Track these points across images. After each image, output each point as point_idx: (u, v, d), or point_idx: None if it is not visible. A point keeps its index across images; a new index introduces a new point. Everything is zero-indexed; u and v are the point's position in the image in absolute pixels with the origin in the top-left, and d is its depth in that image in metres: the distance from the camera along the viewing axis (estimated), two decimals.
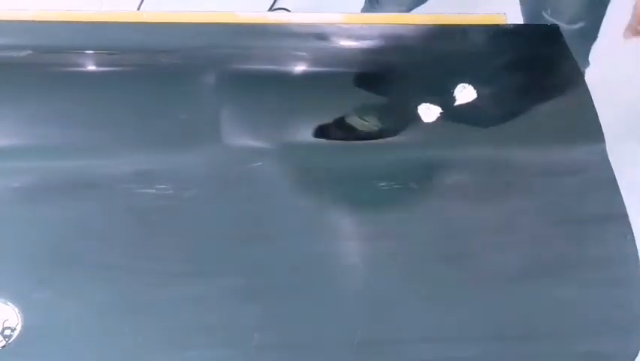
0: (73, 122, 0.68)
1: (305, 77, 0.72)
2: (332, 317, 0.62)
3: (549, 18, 0.80)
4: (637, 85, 1.45)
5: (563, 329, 0.63)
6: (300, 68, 0.73)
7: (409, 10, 0.99)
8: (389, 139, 0.69)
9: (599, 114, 0.72)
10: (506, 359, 0.62)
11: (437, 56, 0.74)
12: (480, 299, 0.63)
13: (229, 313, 0.61)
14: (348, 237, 0.65)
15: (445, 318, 0.62)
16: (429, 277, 0.64)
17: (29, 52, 0.71)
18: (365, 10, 1.06)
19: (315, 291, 0.62)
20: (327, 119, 0.70)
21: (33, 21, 0.72)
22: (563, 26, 0.73)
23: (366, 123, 0.70)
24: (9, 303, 0.59)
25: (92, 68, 0.72)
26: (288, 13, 0.73)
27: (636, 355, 0.62)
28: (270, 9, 0.69)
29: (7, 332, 0.58)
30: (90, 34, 0.72)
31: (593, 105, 0.72)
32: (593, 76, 0.76)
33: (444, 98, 0.71)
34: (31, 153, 0.67)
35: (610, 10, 1.29)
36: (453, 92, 0.71)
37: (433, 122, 0.70)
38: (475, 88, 0.71)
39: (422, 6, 1.03)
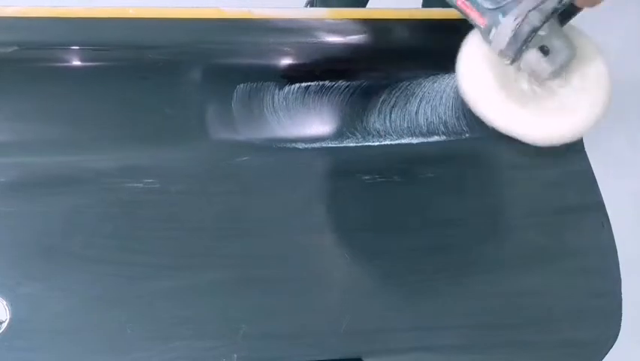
0: (59, 118, 0.69)
1: (291, 71, 0.73)
2: (318, 307, 0.63)
3: None
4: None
5: (541, 317, 0.64)
6: (285, 62, 0.73)
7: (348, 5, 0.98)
8: (373, 133, 0.70)
9: None
10: (487, 347, 0.64)
11: (422, 51, 0.74)
12: (460, 289, 0.65)
13: (216, 304, 0.62)
14: (334, 229, 0.66)
15: (428, 307, 0.64)
16: (411, 268, 0.65)
17: (15, 48, 0.71)
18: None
19: (301, 282, 0.63)
20: (314, 113, 0.71)
21: (18, 17, 0.72)
22: None
23: (351, 118, 0.71)
24: None
25: (77, 63, 0.72)
26: (274, 8, 0.73)
27: (614, 342, 0.64)
28: None
29: None
30: (76, 30, 0.72)
31: None
32: None
33: (427, 92, 0.72)
34: (17, 148, 0.67)
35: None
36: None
37: (414, 117, 0.71)
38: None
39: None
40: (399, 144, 0.70)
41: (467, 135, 0.71)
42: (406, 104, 0.71)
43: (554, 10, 0.58)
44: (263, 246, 0.64)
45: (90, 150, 0.67)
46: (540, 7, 0.57)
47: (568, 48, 0.63)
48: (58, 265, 0.61)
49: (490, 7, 0.59)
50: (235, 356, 0.60)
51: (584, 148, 0.71)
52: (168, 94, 0.70)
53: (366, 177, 0.68)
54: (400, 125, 0.71)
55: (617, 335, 0.64)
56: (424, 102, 0.71)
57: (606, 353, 0.63)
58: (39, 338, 0.59)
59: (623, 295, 0.65)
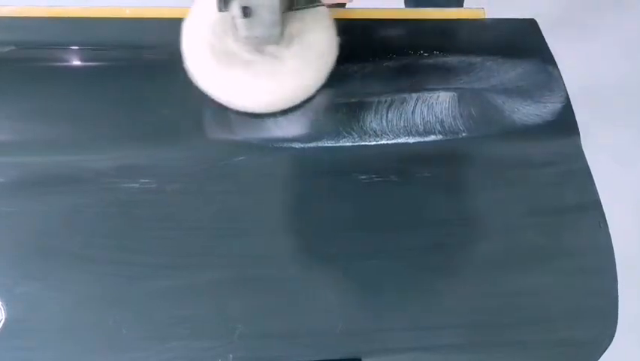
0: (56, 118, 0.69)
1: None
2: (315, 307, 0.63)
3: None
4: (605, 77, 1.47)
5: (538, 317, 0.64)
6: None
7: None
8: (370, 133, 0.70)
9: (573, 107, 0.73)
10: (485, 346, 0.63)
11: (421, 51, 0.74)
12: (458, 289, 0.64)
13: (213, 304, 0.62)
14: (330, 228, 0.66)
15: (426, 307, 0.64)
16: (409, 267, 0.65)
17: (12, 47, 0.71)
18: None
19: (298, 282, 0.63)
20: (308, 113, 0.71)
21: (16, 17, 0.72)
22: None
23: (348, 118, 0.71)
24: None
25: (75, 63, 0.72)
26: None
27: (611, 341, 0.64)
28: None
29: None
30: (73, 30, 0.72)
31: (568, 98, 0.74)
32: (567, 70, 0.77)
33: (422, 92, 0.72)
34: (14, 148, 0.67)
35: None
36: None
37: (410, 116, 0.71)
38: (453, 82, 0.72)
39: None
40: (395, 144, 0.70)
41: (464, 135, 0.71)
42: (402, 103, 0.71)
43: None
44: (260, 245, 0.64)
45: (87, 149, 0.67)
46: None
47: (269, 26, 0.63)
48: (56, 265, 0.62)
49: None
50: (231, 356, 0.60)
51: (581, 148, 0.71)
52: (165, 94, 0.70)
53: (363, 177, 0.68)
54: (396, 125, 0.71)
55: (614, 335, 0.64)
56: (420, 101, 0.72)
57: (603, 353, 0.63)
58: (36, 338, 0.59)
59: (619, 295, 0.65)
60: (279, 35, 0.65)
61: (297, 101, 0.68)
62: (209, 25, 0.67)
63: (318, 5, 0.65)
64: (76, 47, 0.72)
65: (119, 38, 0.72)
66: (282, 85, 0.67)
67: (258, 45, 0.66)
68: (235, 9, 0.61)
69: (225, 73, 0.66)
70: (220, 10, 0.62)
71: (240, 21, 0.62)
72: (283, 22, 0.64)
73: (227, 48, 0.66)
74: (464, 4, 1.02)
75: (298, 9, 0.65)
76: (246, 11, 0.60)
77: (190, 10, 0.68)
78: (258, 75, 0.66)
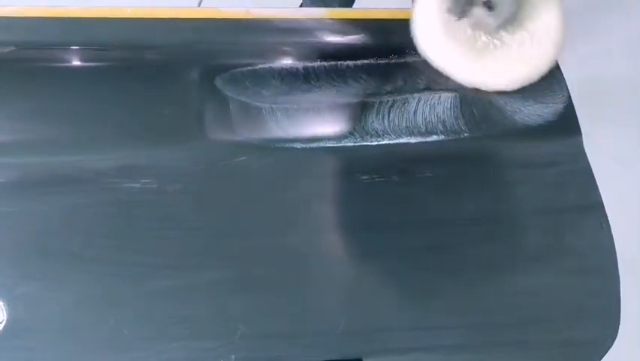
0: (56, 118, 0.69)
1: (288, 72, 0.73)
2: (317, 307, 0.63)
3: None
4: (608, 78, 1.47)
5: (540, 317, 0.64)
6: (283, 62, 0.73)
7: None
8: (371, 133, 0.70)
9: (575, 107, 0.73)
10: (486, 347, 0.63)
11: (417, 51, 0.74)
12: (459, 289, 0.64)
13: (214, 304, 0.61)
14: (332, 229, 0.66)
15: (427, 307, 0.64)
16: (410, 268, 0.65)
17: (12, 48, 0.71)
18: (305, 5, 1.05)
19: (299, 282, 0.63)
20: (312, 113, 0.71)
21: (16, 17, 0.72)
22: None
23: (349, 118, 0.71)
24: None
25: (75, 63, 0.72)
26: (272, 8, 0.73)
27: (612, 342, 0.64)
28: None
29: None
30: (74, 30, 0.72)
31: (570, 98, 0.74)
32: (569, 70, 0.77)
33: (424, 92, 0.72)
34: (14, 148, 0.67)
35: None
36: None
37: (412, 116, 0.71)
38: (455, 82, 0.72)
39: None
40: (397, 144, 0.70)
41: (466, 135, 0.71)
42: (404, 103, 0.71)
43: None
44: (260, 246, 0.64)
45: (87, 150, 0.67)
46: None
47: (512, 3, 0.63)
48: (56, 265, 0.61)
49: None
50: (233, 357, 0.60)
51: (583, 148, 0.71)
52: (166, 94, 0.70)
53: (365, 177, 0.68)
54: (398, 125, 0.70)
55: (616, 335, 0.64)
56: (422, 102, 0.71)
57: (605, 353, 0.63)
58: (36, 338, 0.59)
59: (621, 295, 0.65)
60: (520, 10, 0.64)
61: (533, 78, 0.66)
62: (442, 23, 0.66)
63: None
64: (77, 47, 0.72)
65: (120, 38, 0.72)
66: (518, 68, 0.66)
67: (501, 29, 0.65)
68: (477, 9, 0.62)
69: (464, 58, 0.65)
70: (460, 18, 0.63)
71: (488, 15, 0.62)
72: None
73: (468, 38, 0.65)
74: None
75: None
76: (489, 3, 0.62)
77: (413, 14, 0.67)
78: (497, 59, 0.65)
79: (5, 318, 0.59)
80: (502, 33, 0.65)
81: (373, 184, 0.68)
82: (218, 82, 0.69)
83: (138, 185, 0.65)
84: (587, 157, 0.71)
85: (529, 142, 0.71)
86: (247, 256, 0.64)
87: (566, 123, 0.72)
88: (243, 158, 0.67)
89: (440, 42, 0.66)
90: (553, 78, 0.75)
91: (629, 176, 1.40)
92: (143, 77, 0.71)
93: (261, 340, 0.61)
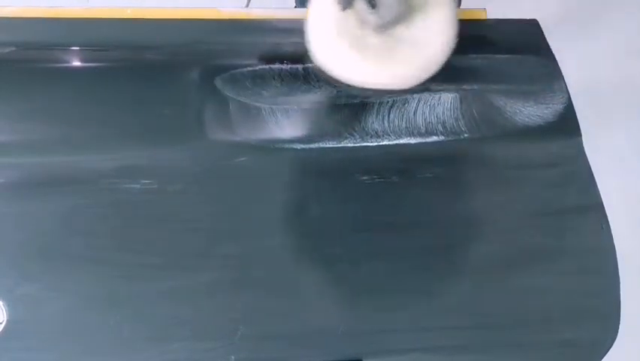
0: (57, 118, 0.69)
1: (287, 72, 0.73)
2: (317, 307, 0.63)
3: None
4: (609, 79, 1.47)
5: (542, 317, 0.64)
6: (283, 63, 0.73)
7: None
8: (371, 134, 0.70)
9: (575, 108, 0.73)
10: (487, 347, 0.63)
11: None
12: (459, 289, 0.64)
13: (214, 305, 0.62)
14: (332, 229, 0.66)
15: (427, 308, 0.64)
16: (410, 268, 0.65)
17: (13, 48, 0.71)
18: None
19: (300, 282, 0.63)
20: (311, 114, 0.71)
21: (16, 17, 0.72)
22: None
23: (349, 119, 0.71)
24: None
25: (76, 64, 0.72)
26: (271, 9, 0.74)
27: (612, 342, 0.64)
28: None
29: None
30: (74, 31, 0.72)
31: (570, 99, 0.74)
32: (569, 70, 0.77)
33: (423, 93, 0.72)
34: (15, 148, 0.67)
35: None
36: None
37: (412, 117, 0.71)
38: (455, 83, 0.72)
39: None
40: (397, 145, 0.70)
41: (466, 135, 0.71)
42: (404, 104, 0.71)
43: None
44: (261, 246, 0.64)
45: (88, 150, 0.67)
46: None
47: (396, 4, 0.62)
48: (56, 266, 0.61)
49: None
50: (233, 357, 0.60)
51: (583, 149, 0.71)
52: (166, 94, 0.70)
53: (365, 178, 0.68)
54: (398, 126, 0.70)
55: (616, 336, 0.64)
56: (422, 102, 0.71)
57: (605, 354, 0.63)
58: (36, 339, 0.59)
59: (621, 296, 0.65)
60: (408, 10, 0.64)
61: (422, 79, 0.67)
62: (334, 19, 0.66)
63: None
64: (77, 48, 0.72)
65: (120, 39, 0.72)
66: (398, 69, 0.66)
67: (388, 28, 0.65)
68: (360, 4, 0.61)
69: (349, 55, 0.65)
70: (344, 9, 0.62)
71: (370, 13, 0.62)
72: None
73: (357, 34, 0.65)
74: (467, 5, 1.01)
75: None
76: (372, 2, 0.61)
77: (309, 8, 0.67)
78: (381, 57, 0.65)
79: (5, 319, 0.59)
80: (391, 33, 0.65)
81: (373, 185, 0.68)
82: (218, 82, 0.69)
83: (138, 185, 0.65)
84: (586, 158, 0.71)
85: (529, 143, 0.71)
86: (247, 257, 0.64)
87: (566, 124, 0.72)
88: (243, 158, 0.67)
89: (330, 39, 0.65)
90: (553, 79, 0.75)
91: (629, 176, 1.40)
92: (143, 78, 0.71)
93: (261, 340, 0.61)
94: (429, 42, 0.65)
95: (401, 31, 0.65)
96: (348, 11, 0.63)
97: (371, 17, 0.63)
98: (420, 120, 0.71)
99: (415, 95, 0.72)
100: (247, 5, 0.72)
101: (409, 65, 0.65)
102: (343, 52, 0.65)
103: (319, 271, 0.65)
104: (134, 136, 0.68)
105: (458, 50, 0.72)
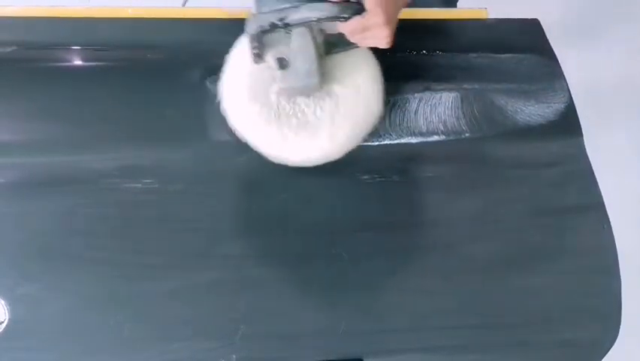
0: (58, 118, 0.69)
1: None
2: (318, 307, 0.63)
3: None
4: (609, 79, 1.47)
5: (542, 317, 0.64)
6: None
7: None
8: (372, 133, 0.70)
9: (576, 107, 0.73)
10: (487, 347, 0.64)
11: (418, 51, 0.74)
12: (461, 289, 0.65)
13: (215, 305, 0.62)
14: (333, 229, 0.66)
15: (427, 307, 0.64)
16: (410, 268, 0.65)
17: (14, 48, 0.71)
18: None
19: (300, 282, 0.64)
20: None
21: (18, 17, 0.72)
22: None
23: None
24: None
25: (77, 63, 0.72)
26: None
27: (613, 342, 0.64)
28: None
29: None
30: (75, 30, 0.72)
31: (572, 98, 0.74)
32: (570, 70, 0.77)
33: (424, 92, 0.72)
34: (16, 148, 0.67)
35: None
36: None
37: (413, 116, 0.71)
38: (456, 82, 0.72)
39: None
40: (398, 144, 0.70)
41: (467, 135, 0.71)
42: (405, 103, 0.71)
43: (272, 26, 0.56)
44: (262, 246, 0.64)
45: (89, 150, 0.67)
46: (259, 15, 0.57)
47: (306, 76, 0.60)
48: (57, 266, 0.62)
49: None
50: (234, 356, 0.60)
51: (584, 148, 0.71)
52: (168, 94, 0.70)
53: (366, 177, 0.68)
54: (399, 125, 0.70)
55: (617, 336, 0.64)
56: (423, 102, 0.71)
57: (606, 353, 0.63)
58: (37, 339, 0.59)
59: (622, 296, 0.65)
60: (317, 86, 0.62)
61: (340, 154, 0.65)
62: (248, 74, 0.64)
63: (354, 48, 0.61)
64: (79, 47, 0.72)
65: (122, 38, 0.72)
66: (321, 142, 0.63)
67: (297, 95, 0.63)
68: (270, 61, 0.60)
69: (266, 127, 0.63)
70: (256, 62, 0.60)
71: (277, 73, 0.60)
72: (323, 70, 0.62)
73: (268, 99, 0.64)
74: (468, 4, 1.01)
75: (335, 52, 0.63)
76: (282, 63, 0.60)
77: (229, 57, 0.66)
78: (286, 128, 0.63)
79: (7, 318, 0.59)
80: (304, 100, 0.63)
81: (374, 184, 0.68)
82: (220, 82, 0.68)
83: (139, 185, 0.65)
84: (587, 157, 0.71)
85: (530, 142, 0.71)
86: (249, 257, 0.64)
87: (567, 123, 0.72)
88: (243, 158, 0.67)
89: (243, 104, 0.64)
90: (554, 78, 0.75)
91: (629, 176, 1.40)
92: (145, 77, 0.71)
93: (262, 340, 0.61)
94: (347, 112, 0.63)
95: (317, 98, 0.63)
96: (263, 67, 0.61)
97: (277, 76, 0.61)
98: (421, 120, 0.71)
99: (416, 95, 0.72)
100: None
101: (321, 139, 0.63)
102: (256, 121, 0.63)
103: (320, 271, 0.65)
104: (135, 136, 0.68)
105: (460, 49, 0.72)
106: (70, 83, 0.71)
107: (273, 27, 0.57)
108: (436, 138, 0.70)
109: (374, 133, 0.70)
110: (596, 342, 0.64)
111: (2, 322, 0.59)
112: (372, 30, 0.56)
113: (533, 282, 0.66)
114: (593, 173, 0.70)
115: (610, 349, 0.63)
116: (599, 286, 0.66)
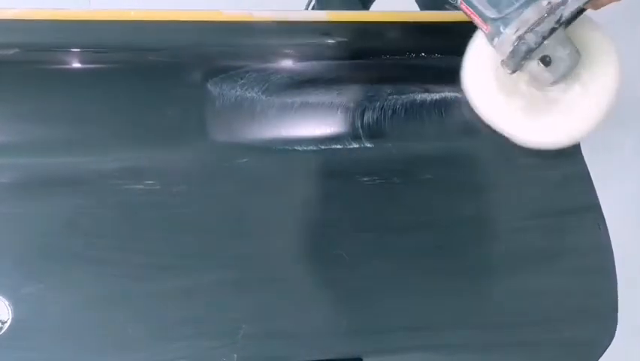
0: (60, 120, 0.69)
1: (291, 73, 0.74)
2: (318, 307, 0.63)
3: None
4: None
5: (539, 317, 0.65)
6: (284, 65, 0.74)
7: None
8: (372, 136, 0.71)
9: None
10: (485, 347, 0.64)
11: (416, 53, 0.75)
12: (460, 290, 0.65)
13: (217, 305, 0.62)
14: (333, 230, 0.67)
15: (427, 308, 0.64)
16: (410, 269, 0.65)
17: (16, 50, 0.71)
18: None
19: (301, 282, 0.64)
20: (312, 115, 0.72)
21: (19, 19, 0.73)
22: None
23: (351, 120, 0.71)
24: None
25: (79, 65, 0.73)
26: (273, 11, 0.74)
27: (610, 341, 0.65)
28: None
29: None
30: (77, 33, 0.73)
31: None
32: None
33: (424, 94, 0.73)
34: (19, 149, 0.67)
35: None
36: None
37: (412, 119, 0.72)
38: (454, 85, 0.73)
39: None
40: (398, 146, 0.70)
41: (465, 137, 0.71)
42: (405, 105, 0.72)
43: (552, 31, 0.56)
44: (263, 247, 0.65)
45: (91, 151, 0.68)
46: (536, 29, 0.56)
47: (570, 57, 0.60)
48: (60, 266, 0.62)
49: (492, 16, 0.57)
50: (235, 356, 0.60)
51: (580, 151, 0.72)
52: (169, 96, 0.71)
53: (366, 179, 0.69)
54: (399, 127, 0.71)
55: (614, 335, 0.64)
56: (423, 104, 0.72)
57: (603, 353, 0.64)
58: (41, 338, 0.59)
59: (619, 296, 0.66)
60: (578, 60, 0.61)
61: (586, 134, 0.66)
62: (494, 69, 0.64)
63: (585, 9, 0.60)
64: (81, 50, 0.72)
65: (124, 41, 0.72)
66: (569, 123, 0.65)
67: (562, 82, 0.63)
68: (532, 65, 0.59)
69: (513, 111, 0.65)
70: (513, 72, 0.59)
71: (544, 71, 0.59)
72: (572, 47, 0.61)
73: (518, 89, 0.65)
74: None
75: (569, 24, 0.61)
76: (546, 59, 0.59)
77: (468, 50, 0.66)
78: (547, 114, 0.64)
79: (10, 318, 0.59)
80: (557, 88, 0.63)
81: (374, 186, 0.68)
82: (221, 84, 0.69)
83: (141, 186, 0.66)
84: (584, 159, 0.72)
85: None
86: (250, 257, 0.64)
87: None
88: (245, 159, 0.68)
89: (494, 98, 0.65)
90: None
91: (627, 177, 1.41)
92: (147, 79, 0.71)
93: (263, 339, 0.61)
94: (595, 95, 0.64)
95: (567, 85, 0.63)
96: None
97: (545, 74, 0.60)
98: (420, 122, 0.71)
99: (416, 97, 0.72)
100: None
101: (578, 120, 0.64)
102: (514, 112, 0.65)
103: (320, 271, 0.65)
104: (137, 137, 0.69)
105: (459, 51, 0.72)
106: (72, 85, 0.71)
107: (552, 31, 0.55)
108: (435, 139, 0.71)
109: (373, 135, 0.70)
110: (594, 341, 0.64)
111: (6, 321, 0.59)
112: None
113: (531, 283, 0.66)
114: (589, 174, 0.71)
115: (607, 348, 0.64)
116: (596, 286, 0.67)
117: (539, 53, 0.58)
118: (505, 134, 0.66)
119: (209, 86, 0.70)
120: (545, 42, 0.57)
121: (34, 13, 0.73)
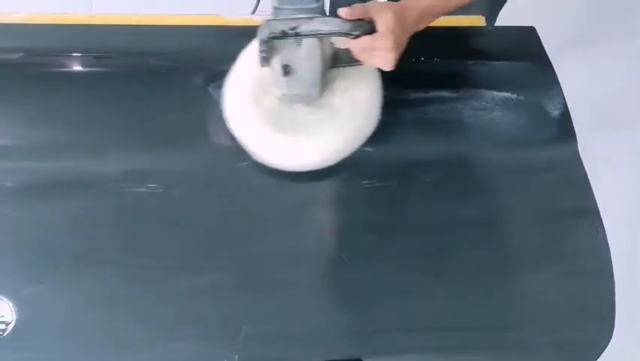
0: (64, 123, 0.70)
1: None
2: (318, 308, 0.64)
3: None
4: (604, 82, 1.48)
5: (539, 318, 0.65)
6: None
7: None
8: (372, 139, 0.71)
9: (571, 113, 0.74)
10: (485, 348, 0.64)
11: (416, 58, 0.76)
12: (459, 291, 0.65)
13: (218, 306, 0.63)
14: (333, 232, 0.67)
15: (427, 309, 0.65)
16: (410, 270, 0.66)
17: (20, 54, 0.72)
18: None
19: (302, 284, 0.64)
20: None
21: (23, 24, 0.73)
22: None
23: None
24: (3, 298, 0.60)
25: (82, 69, 0.73)
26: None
27: (608, 342, 0.65)
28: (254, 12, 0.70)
29: (2, 326, 0.60)
30: (80, 37, 0.74)
31: (566, 105, 0.75)
32: (565, 76, 0.78)
33: (422, 98, 0.73)
34: (23, 152, 0.68)
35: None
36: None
37: (412, 122, 0.72)
38: (453, 89, 0.74)
39: None
40: (397, 149, 0.71)
41: (464, 141, 0.72)
42: (403, 109, 0.72)
43: (283, 34, 0.58)
44: (263, 249, 0.65)
45: (94, 154, 0.68)
46: (272, 22, 0.58)
47: (309, 85, 0.62)
48: (63, 267, 0.63)
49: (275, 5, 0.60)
50: (237, 357, 0.60)
51: (578, 154, 0.72)
52: (171, 100, 0.71)
53: (365, 182, 0.69)
54: (398, 130, 0.71)
55: (611, 336, 0.65)
56: (421, 107, 0.72)
57: (601, 353, 0.64)
58: (44, 339, 0.60)
59: (617, 297, 0.66)
60: (317, 95, 0.64)
61: (333, 162, 0.67)
62: (253, 80, 0.66)
63: (358, 65, 0.63)
64: (84, 54, 0.73)
65: (126, 45, 0.73)
66: (296, 149, 0.66)
67: (297, 102, 0.65)
68: (276, 66, 0.61)
69: (263, 131, 0.65)
70: (262, 65, 0.61)
71: (280, 79, 0.62)
72: (325, 81, 0.63)
73: (269, 104, 0.66)
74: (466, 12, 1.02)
75: (340, 66, 0.64)
76: (287, 69, 0.61)
77: (235, 63, 0.68)
78: (291, 138, 0.65)
79: (14, 319, 0.60)
80: (308, 108, 0.65)
81: (373, 189, 0.69)
82: (222, 88, 0.70)
83: (144, 189, 0.66)
84: (582, 163, 0.72)
85: (525, 148, 0.72)
86: (250, 259, 0.65)
87: (562, 129, 0.74)
88: (246, 163, 0.68)
89: (243, 108, 0.66)
90: (549, 85, 0.76)
91: (624, 180, 1.41)
92: (149, 84, 0.72)
93: (264, 341, 0.62)
94: (348, 119, 0.65)
95: (319, 106, 0.65)
96: (267, 74, 0.62)
97: (280, 82, 0.62)
98: (420, 125, 0.72)
99: (414, 101, 0.73)
100: (253, 12, 0.72)
101: (323, 144, 0.65)
102: (254, 124, 0.65)
103: (320, 273, 0.66)
104: (139, 141, 0.69)
105: (457, 56, 0.73)
106: (75, 88, 0.72)
107: (284, 35, 0.58)
108: (433, 143, 0.72)
109: (373, 139, 0.71)
110: (592, 342, 0.65)
111: (10, 323, 0.60)
112: (379, 51, 0.58)
113: (530, 284, 0.67)
114: (587, 178, 0.71)
115: (605, 348, 0.64)
116: (594, 287, 0.67)
117: (282, 58, 0.60)
118: (248, 150, 0.66)
119: (211, 90, 0.71)
120: (281, 45, 0.59)
121: (38, 17, 0.74)
